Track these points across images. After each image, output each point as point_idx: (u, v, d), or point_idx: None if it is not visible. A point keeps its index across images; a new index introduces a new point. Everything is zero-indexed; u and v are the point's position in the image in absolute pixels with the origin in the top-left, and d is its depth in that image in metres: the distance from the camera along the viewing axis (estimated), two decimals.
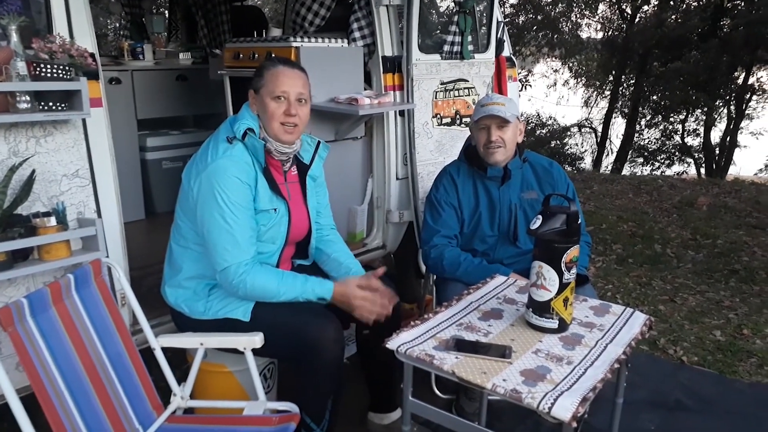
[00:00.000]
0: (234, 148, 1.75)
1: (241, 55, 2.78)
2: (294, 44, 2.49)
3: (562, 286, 1.52)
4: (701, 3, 11.38)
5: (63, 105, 1.71)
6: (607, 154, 13.57)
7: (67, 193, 1.83)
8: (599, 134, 13.88)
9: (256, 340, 1.69)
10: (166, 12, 5.22)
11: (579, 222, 1.56)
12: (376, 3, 2.67)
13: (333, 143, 2.71)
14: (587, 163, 13.83)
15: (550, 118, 14.44)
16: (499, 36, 3.12)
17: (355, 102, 2.46)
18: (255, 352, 1.73)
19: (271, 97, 1.78)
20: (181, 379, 1.79)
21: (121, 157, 2.32)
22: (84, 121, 1.83)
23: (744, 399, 2.55)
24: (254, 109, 1.84)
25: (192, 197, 1.77)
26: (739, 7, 10.63)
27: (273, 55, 2.44)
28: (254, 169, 1.78)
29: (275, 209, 1.82)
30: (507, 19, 11.50)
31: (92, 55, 1.79)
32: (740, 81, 11.33)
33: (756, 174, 12.52)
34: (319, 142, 2.01)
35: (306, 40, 2.56)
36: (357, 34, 2.75)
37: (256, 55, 2.67)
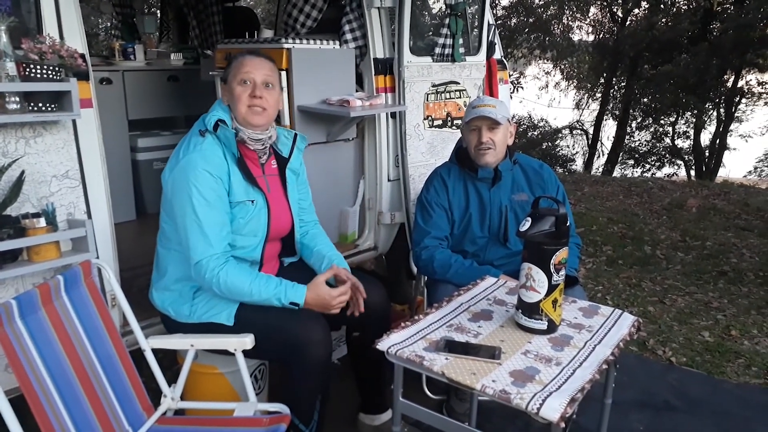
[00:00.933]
0: (205, 142, 1.76)
1: (232, 57, 2.77)
2: (285, 46, 2.49)
3: (551, 288, 1.53)
4: (691, 6, 11.48)
5: (53, 106, 1.71)
6: (598, 156, 13.66)
7: (57, 194, 1.83)
8: (590, 136, 13.97)
9: (247, 341, 1.70)
10: (158, 12, 5.20)
11: (568, 224, 1.57)
12: (367, 5, 2.68)
13: (324, 145, 2.71)
14: (578, 165, 13.91)
15: (542, 120, 14.51)
16: (490, 38, 3.13)
17: (347, 104, 2.46)
18: (243, 353, 1.73)
19: (237, 81, 1.80)
20: (171, 380, 1.78)
21: (112, 157, 2.31)
22: (74, 121, 1.82)
23: (731, 399, 2.58)
24: (225, 101, 1.85)
25: (167, 195, 1.77)
26: (729, 11, 10.73)
27: None
28: (226, 161, 1.77)
29: (252, 201, 1.81)
30: (498, 22, 11.55)
31: (82, 56, 1.79)
32: (730, 84, 11.42)
33: (745, 176, 12.66)
34: (296, 135, 2.01)
35: (297, 41, 2.56)
36: (348, 36, 2.75)
37: None
